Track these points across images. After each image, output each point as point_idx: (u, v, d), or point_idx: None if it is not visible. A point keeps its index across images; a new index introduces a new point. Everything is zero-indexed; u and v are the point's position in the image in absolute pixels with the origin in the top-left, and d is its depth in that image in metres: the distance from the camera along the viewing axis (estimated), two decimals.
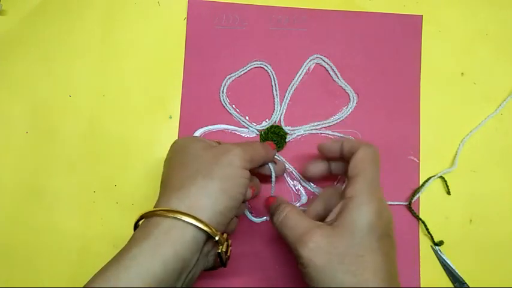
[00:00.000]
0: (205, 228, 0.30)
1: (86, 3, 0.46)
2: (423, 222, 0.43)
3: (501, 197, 0.44)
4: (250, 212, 0.43)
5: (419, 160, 0.44)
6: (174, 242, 0.29)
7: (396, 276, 0.31)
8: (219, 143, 0.36)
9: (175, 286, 0.30)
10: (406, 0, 0.46)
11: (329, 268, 0.29)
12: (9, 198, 0.43)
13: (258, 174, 0.40)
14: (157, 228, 0.30)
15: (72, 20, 0.46)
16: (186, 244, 0.30)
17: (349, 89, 0.45)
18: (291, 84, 0.45)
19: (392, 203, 0.43)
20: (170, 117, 0.44)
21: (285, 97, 0.45)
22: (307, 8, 0.45)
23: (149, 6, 0.46)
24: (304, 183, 0.43)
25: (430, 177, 0.43)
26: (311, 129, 0.44)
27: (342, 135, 0.44)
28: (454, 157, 0.44)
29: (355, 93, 0.45)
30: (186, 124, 0.44)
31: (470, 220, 0.43)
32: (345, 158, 0.35)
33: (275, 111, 0.44)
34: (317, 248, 0.30)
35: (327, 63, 0.45)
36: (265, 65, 0.45)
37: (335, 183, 0.43)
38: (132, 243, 0.30)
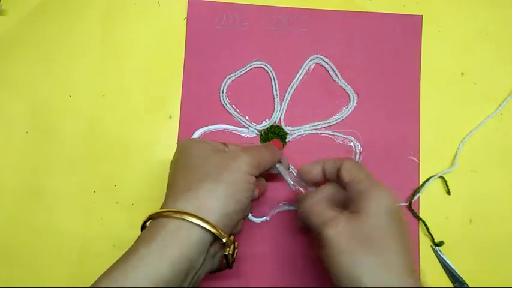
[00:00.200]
0: (212, 229, 0.30)
1: (86, 3, 0.46)
2: (423, 222, 0.43)
3: (501, 197, 0.44)
4: (250, 212, 0.43)
5: (419, 160, 0.44)
6: (181, 243, 0.29)
7: (412, 261, 0.32)
8: (225, 144, 0.37)
9: (181, 287, 0.30)
10: (406, 0, 0.46)
11: (350, 250, 0.30)
12: (9, 198, 0.43)
13: (264, 174, 0.40)
14: (164, 229, 0.30)
15: (72, 20, 0.46)
16: (193, 245, 0.30)
17: (349, 89, 0.45)
18: (291, 84, 0.45)
19: None
20: (170, 117, 0.44)
21: (285, 97, 0.45)
22: (307, 8, 0.45)
23: (149, 6, 0.46)
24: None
25: (430, 177, 0.43)
26: (311, 129, 0.44)
27: (342, 135, 0.44)
28: (454, 157, 0.44)
29: (355, 93, 0.45)
30: (186, 124, 0.44)
31: (470, 220, 0.43)
32: (328, 178, 0.37)
33: (275, 111, 0.44)
34: (341, 230, 0.31)
35: (327, 63, 0.45)
36: (265, 65, 0.45)
37: None
38: (139, 243, 0.30)
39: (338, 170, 0.35)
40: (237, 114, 0.44)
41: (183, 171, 0.34)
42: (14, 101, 0.45)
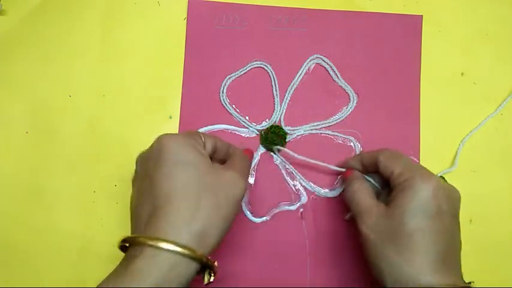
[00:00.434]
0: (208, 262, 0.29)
1: (86, 3, 0.46)
2: None
3: (501, 197, 0.44)
4: (250, 212, 0.43)
5: (419, 160, 0.44)
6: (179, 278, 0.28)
7: (453, 257, 0.32)
8: (203, 139, 0.34)
9: None
10: (406, 0, 0.46)
11: (380, 244, 0.32)
12: (9, 198, 0.43)
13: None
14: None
15: (72, 20, 0.46)
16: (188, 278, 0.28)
17: (349, 89, 0.45)
18: (291, 84, 0.45)
19: None
20: (170, 117, 0.44)
21: (285, 97, 0.45)
22: (307, 8, 0.45)
23: (149, 6, 0.46)
24: (304, 183, 0.43)
25: None
26: (311, 129, 0.44)
27: (342, 135, 0.44)
28: (454, 157, 0.44)
29: (355, 93, 0.45)
30: (186, 124, 0.44)
31: (470, 220, 0.43)
32: (369, 171, 0.38)
33: (275, 111, 0.44)
34: (372, 225, 0.33)
35: (327, 63, 0.45)
36: (265, 65, 0.45)
37: (335, 183, 0.43)
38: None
39: (376, 163, 0.36)
40: (237, 114, 0.44)
41: (171, 187, 0.30)
42: (14, 101, 0.45)
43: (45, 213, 0.43)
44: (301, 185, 0.43)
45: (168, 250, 0.27)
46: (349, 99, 0.45)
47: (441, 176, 0.43)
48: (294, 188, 0.44)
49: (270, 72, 0.45)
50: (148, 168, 0.31)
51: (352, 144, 0.44)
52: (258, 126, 0.44)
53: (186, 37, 0.45)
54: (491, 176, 0.44)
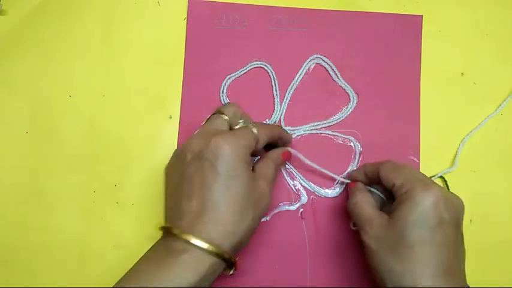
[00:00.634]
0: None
1: (86, 3, 0.46)
2: None
3: (501, 197, 0.44)
4: None
5: (419, 160, 0.44)
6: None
7: (456, 266, 0.32)
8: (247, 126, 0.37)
9: None
10: (406, 0, 0.46)
11: (381, 253, 0.32)
12: (9, 198, 0.43)
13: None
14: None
15: (72, 20, 0.46)
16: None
17: (349, 89, 0.45)
18: (291, 84, 0.45)
19: None
20: (170, 117, 0.44)
21: (285, 97, 0.45)
22: (307, 8, 0.45)
23: (149, 6, 0.46)
24: (304, 183, 0.43)
25: (430, 177, 0.43)
26: (311, 129, 0.44)
27: (342, 135, 0.44)
28: (454, 157, 0.44)
29: (355, 93, 0.45)
30: (186, 124, 0.44)
31: (470, 220, 0.43)
32: (373, 182, 0.39)
33: (275, 111, 0.44)
34: (373, 235, 0.33)
35: (327, 63, 0.45)
36: (265, 65, 0.45)
37: (335, 183, 0.43)
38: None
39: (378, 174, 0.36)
40: None
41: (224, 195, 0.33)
42: (14, 101, 0.45)
43: (45, 213, 0.43)
44: (301, 185, 0.43)
45: (211, 252, 0.31)
46: (349, 99, 0.45)
47: (441, 176, 0.43)
48: (294, 188, 0.44)
49: (270, 72, 0.45)
50: (203, 167, 0.33)
51: (352, 144, 0.44)
52: None
53: (186, 37, 0.45)
54: (491, 176, 0.44)
